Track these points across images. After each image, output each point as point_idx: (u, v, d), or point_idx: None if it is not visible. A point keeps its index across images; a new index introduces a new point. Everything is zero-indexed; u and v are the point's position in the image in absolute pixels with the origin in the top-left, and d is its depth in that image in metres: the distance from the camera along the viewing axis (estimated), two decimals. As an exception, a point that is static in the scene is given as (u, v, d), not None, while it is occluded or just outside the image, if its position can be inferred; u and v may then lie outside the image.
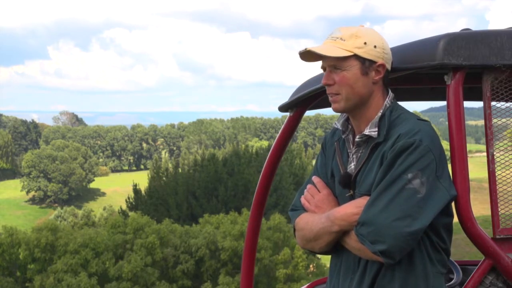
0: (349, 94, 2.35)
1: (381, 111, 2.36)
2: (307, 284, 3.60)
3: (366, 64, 2.33)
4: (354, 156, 2.42)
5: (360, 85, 2.34)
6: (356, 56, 2.32)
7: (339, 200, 2.48)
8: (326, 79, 2.39)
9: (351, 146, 2.44)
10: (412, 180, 2.18)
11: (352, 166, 2.41)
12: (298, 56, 2.40)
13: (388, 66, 2.38)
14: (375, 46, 2.33)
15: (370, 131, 2.34)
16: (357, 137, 2.39)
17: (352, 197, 2.39)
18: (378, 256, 2.20)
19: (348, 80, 2.34)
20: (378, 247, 2.18)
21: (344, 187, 2.41)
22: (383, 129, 2.33)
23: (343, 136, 2.49)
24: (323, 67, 2.42)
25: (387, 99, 2.39)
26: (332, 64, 2.36)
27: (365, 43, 2.32)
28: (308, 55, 2.40)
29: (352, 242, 2.29)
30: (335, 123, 2.54)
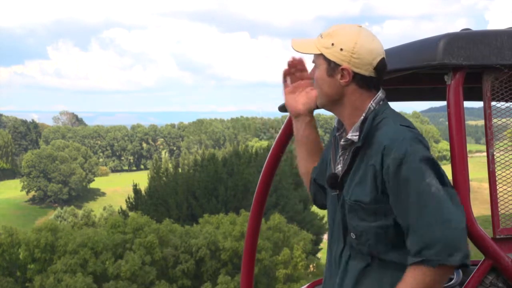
0: (319, 93, 2.41)
1: (364, 114, 2.33)
2: (307, 284, 3.59)
3: (331, 65, 2.32)
4: (341, 158, 2.42)
5: (326, 85, 2.35)
6: (324, 56, 2.33)
7: (328, 196, 2.50)
8: (310, 73, 2.48)
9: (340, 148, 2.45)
10: (430, 182, 2.16)
11: (339, 168, 2.42)
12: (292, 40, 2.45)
13: (361, 71, 2.30)
14: (341, 49, 2.29)
15: (352, 135, 2.33)
16: (342, 140, 2.39)
17: (338, 197, 2.41)
18: (459, 266, 2.17)
19: (317, 79, 2.38)
20: (458, 256, 2.13)
21: (330, 187, 2.43)
22: (361, 134, 2.30)
23: (337, 134, 2.49)
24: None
25: (371, 102, 2.34)
26: (313, 60, 2.41)
27: (332, 44, 2.30)
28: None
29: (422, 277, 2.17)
30: (335, 119, 2.55)
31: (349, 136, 2.34)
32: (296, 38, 2.44)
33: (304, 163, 2.71)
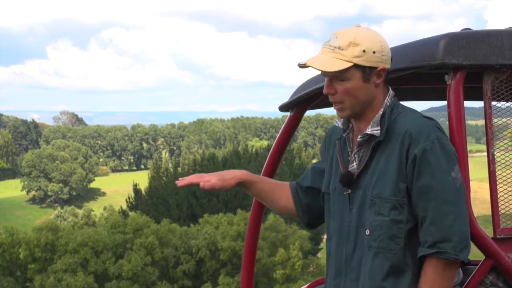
0: (353, 103, 2.33)
1: (382, 109, 2.35)
2: (307, 284, 3.59)
3: (367, 71, 2.29)
4: (356, 156, 2.41)
5: (363, 93, 2.32)
6: (356, 66, 2.28)
7: (335, 198, 2.48)
8: (327, 88, 2.35)
9: (352, 145, 2.44)
10: (456, 176, 2.23)
11: (354, 166, 2.40)
12: (297, 61, 2.37)
13: (388, 66, 2.35)
14: (374, 52, 2.28)
15: (373, 130, 2.33)
16: (359, 136, 2.38)
17: (349, 196, 2.40)
18: (464, 263, 2.24)
19: (351, 90, 2.31)
20: (467, 253, 2.22)
21: (345, 185, 2.41)
22: (383, 128, 2.33)
23: (344, 135, 2.48)
24: (323, 75, 2.38)
25: (387, 98, 2.37)
26: (332, 74, 2.32)
27: (364, 50, 2.27)
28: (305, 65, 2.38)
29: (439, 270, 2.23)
30: (336, 121, 2.53)
31: (369, 131, 2.34)
32: (308, 59, 2.34)
33: (277, 200, 2.67)
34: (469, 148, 2.53)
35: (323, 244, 45.02)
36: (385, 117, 2.33)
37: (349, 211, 2.40)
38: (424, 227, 2.23)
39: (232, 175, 2.56)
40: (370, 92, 2.33)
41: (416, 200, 2.25)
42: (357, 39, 2.28)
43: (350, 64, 2.27)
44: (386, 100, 2.37)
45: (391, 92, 2.39)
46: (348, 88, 2.31)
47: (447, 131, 2.44)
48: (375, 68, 2.30)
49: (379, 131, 2.32)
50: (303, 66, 2.36)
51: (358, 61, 2.27)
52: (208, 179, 2.51)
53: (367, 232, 2.33)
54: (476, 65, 2.45)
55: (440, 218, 2.20)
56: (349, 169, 2.41)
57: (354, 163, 2.40)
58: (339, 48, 2.29)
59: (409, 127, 2.27)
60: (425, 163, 2.22)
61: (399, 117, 2.33)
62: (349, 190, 2.39)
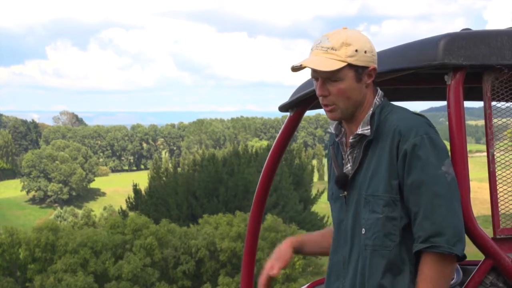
0: (346, 104, 2.35)
1: (371, 109, 2.38)
2: (307, 284, 3.59)
3: (359, 71, 2.32)
4: (349, 157, 2.42)
5: (356, 93, 2.34)
6: (349, 65, 2.30)
7: (334, 202, 2.50)
8: (321, 90, 2.36)
9: (345, 148, 2.46)
10: (447, 170, 2.24)
11: (348, 167, 2.42)
12: (292, 66, 2.36)
13: (376, 66, 2.37)
14: (365, 52, 2.31)
15: (363, 129, 2.36)
16: (351, 137, 2.40)
17: (345, 198, 2.41)
18: (459, 258, 2.24)
19: (345, 91, 2.33)
20: (462, 247, 2.22)
21: (340, 187, 2.43)
22: (373, 126, 2.34)
23: (336, 140, 2.50)
24: (315, 77, 2.38)
25: (376, 97, 2.40)
26: (326, 75, 2.33)
27: (356, 50, 2.30)
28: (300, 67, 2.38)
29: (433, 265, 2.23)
30: (330, 127, 2.55)
31: (359, 131, 2.36)
32: (303, 61, 2.34)
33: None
34: (469, 148, 2.53)
35: (323, 244, 44.95)
36: (374, 116, 2.36)
37: (346, 213, 2.42)
38: (417, 222, 2.24)
39: (286, 250, 2.69)
40: (361, 92, 2.36)
41: (408, 196, 2.26)
42: (348, 39, 2.31)
43: (344, 64, 2.30)
44: (375, 100, 2.39)
45: (380, 92, 2.42)
46: (341, 88, 2.32)
47: (447, 131, 2.44)
48: (367, 68, 2.33)
49: (369, 130, 2.34)
50: (297, 68, 2.36)
51: (351, 60, 2.30)
52: (271, 267, 2.65)
53: (363, 231, 2.34)
54: (476, 65, 2.45)
55: (432, 212, 2.21)
56: (344, 171, 2.43)
57: (349, 165, 2.42)
58: (332, 48, 2.31)
59: (398, 124, 2.29)
60: (415, 158, 2.23)
61: (389, 116, 2.35)
62: (345, 192, 2.41)
